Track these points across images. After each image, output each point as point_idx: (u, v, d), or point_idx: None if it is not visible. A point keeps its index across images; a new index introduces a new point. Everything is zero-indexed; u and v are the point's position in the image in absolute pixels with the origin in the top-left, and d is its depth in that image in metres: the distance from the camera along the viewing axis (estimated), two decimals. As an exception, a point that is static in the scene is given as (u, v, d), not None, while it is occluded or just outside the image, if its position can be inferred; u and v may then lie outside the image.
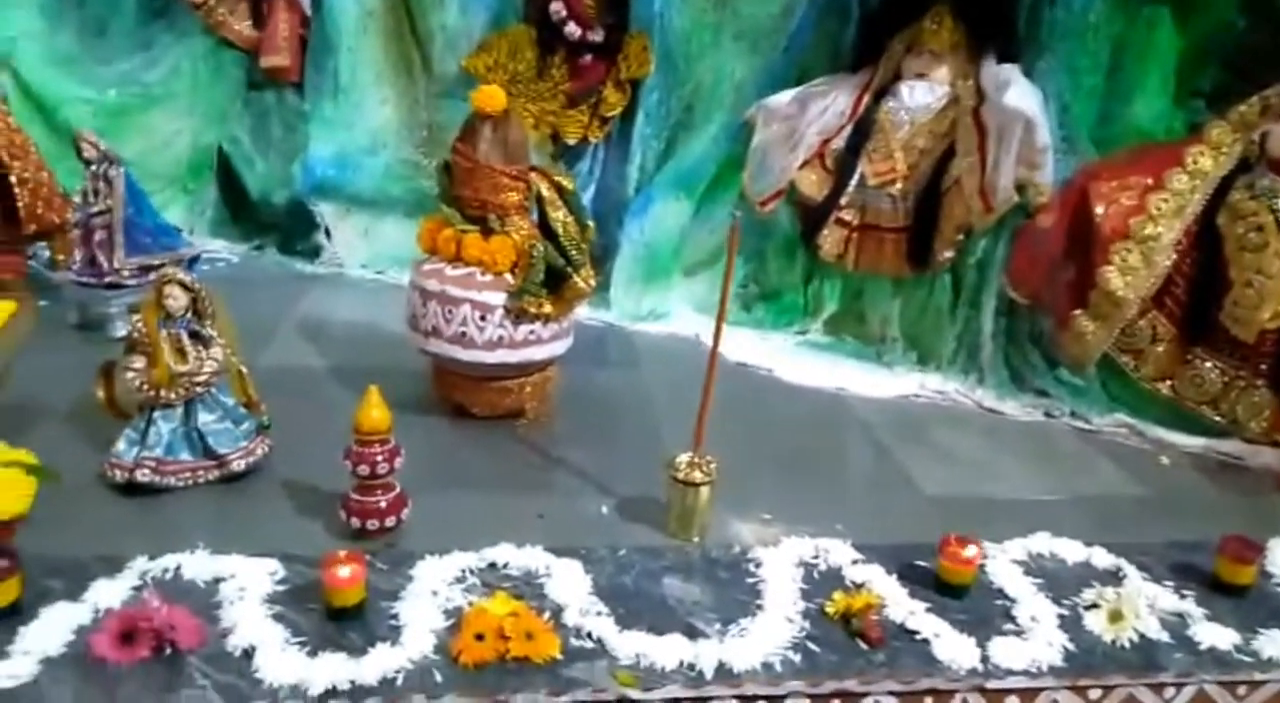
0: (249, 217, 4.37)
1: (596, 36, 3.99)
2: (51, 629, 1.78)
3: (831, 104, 3.43)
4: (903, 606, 2.00)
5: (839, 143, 3.46)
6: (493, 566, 2.08)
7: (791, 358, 3.47)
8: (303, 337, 3.43)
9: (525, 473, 2.58)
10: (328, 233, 4.18)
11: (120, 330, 3.22)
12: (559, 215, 2.60)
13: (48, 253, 3.76)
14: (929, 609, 2.01)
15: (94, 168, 3.13)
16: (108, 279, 3.16)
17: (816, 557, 2.18)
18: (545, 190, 2.60)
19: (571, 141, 4.02)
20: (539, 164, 2.93)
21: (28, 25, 4.25)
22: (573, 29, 3.98)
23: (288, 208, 4.25)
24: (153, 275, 3.20)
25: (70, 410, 2.71)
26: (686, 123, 3.89)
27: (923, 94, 3.35)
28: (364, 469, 2.11)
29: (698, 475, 2.21)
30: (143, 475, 2.26)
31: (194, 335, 2.33)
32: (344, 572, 1.86)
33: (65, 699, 1.65)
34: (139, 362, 2.30)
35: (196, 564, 2.00)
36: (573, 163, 4.06)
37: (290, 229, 4.26)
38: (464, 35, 4.08)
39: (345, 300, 3.86)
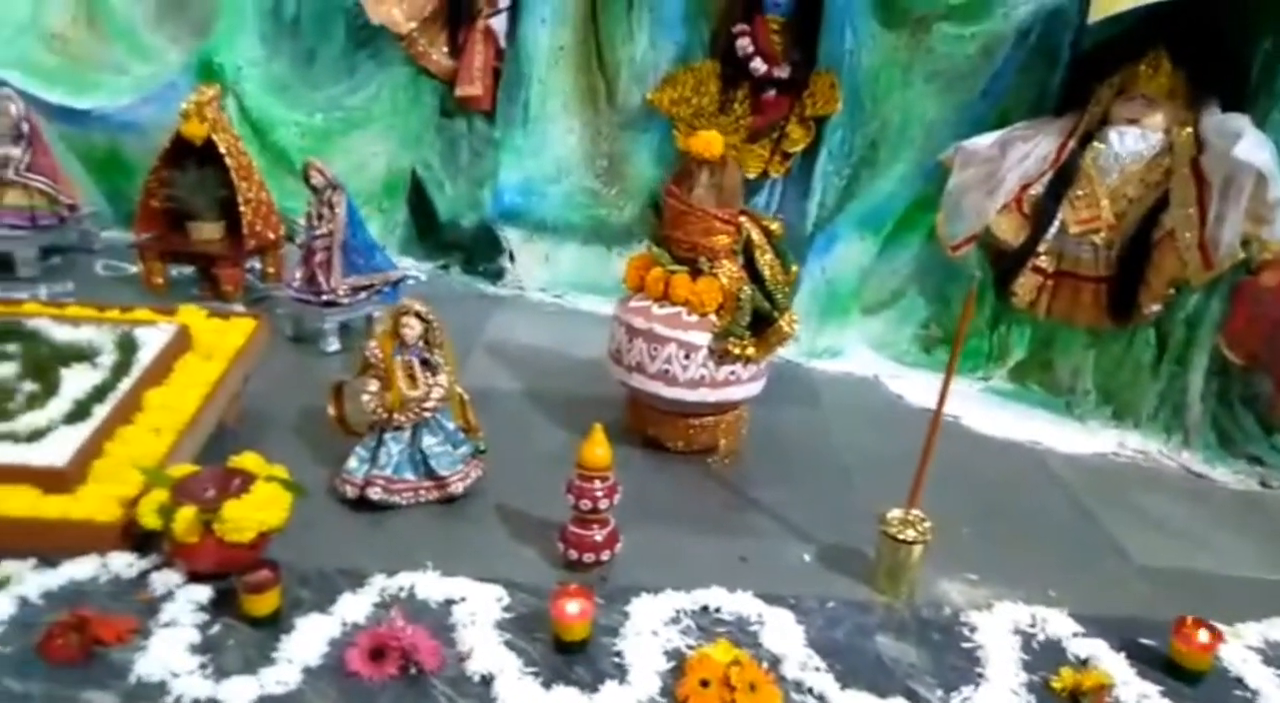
0: (436, 237, 4.59)
1: (782, 73, 4.02)
2: (308, 640, 1.91)
3: (1034, 149, 3.33)
4: (1133, 688, 1.93)
5: (1039, 188, 3.36)
6: (705, 609, 2.12)
7: (977, 405, 3.38)
8: (494, 358, 3.57)
9: (722, 513, 2.61)
10: (512, 256, 4.34)
11: (333, 346, 3.45)
12: (766, 259, 2.63)
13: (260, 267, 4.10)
14: (1162, 693, 1.92)
15: (320, 194, 3.34)
16: (325, 297, 3.37)
17: (1034, 626, 2.12)
18: (755, 234, 2.63)
19: (751, 176, 4.05)
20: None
21: (251, 53, 4.60)
22: (758, 65, 4.02)
23: (474, 231, 4.44)
24: (363, 295, 3.45)
25: (295, 423, 2.92)
26: (870, 161, 3.86)
27: (1134, 141, 3.22)
28: (585, 504, 2.18)
29: (911, 533, 2.19)
30: (374, 493, 2.41)
31: (424, 363, 2.47)
32: (573, 608, 1.93)
33: (328, 709, 1.77)
34: (374, 385, 2.46)
35: (429, 585, 2.12)
36: (750, 197, 4.10)
37: (474, 251, 4.45)
38: (650, 69, 4.19)
39: (529, 323, 4.00)
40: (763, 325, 2.63)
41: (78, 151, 4.63)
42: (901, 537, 2.18)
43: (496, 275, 4.39)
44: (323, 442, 2.73)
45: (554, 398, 3.24)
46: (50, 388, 2.45)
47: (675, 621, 2.06)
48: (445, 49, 4.53)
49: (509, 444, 2.77)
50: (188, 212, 3.89)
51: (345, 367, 3.40)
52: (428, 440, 2.48)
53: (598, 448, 2.17)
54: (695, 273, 2.65)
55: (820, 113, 3.88)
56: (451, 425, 2.54)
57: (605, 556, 2.24)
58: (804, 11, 3.99)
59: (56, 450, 2.24)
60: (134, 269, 4.18)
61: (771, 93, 4.08)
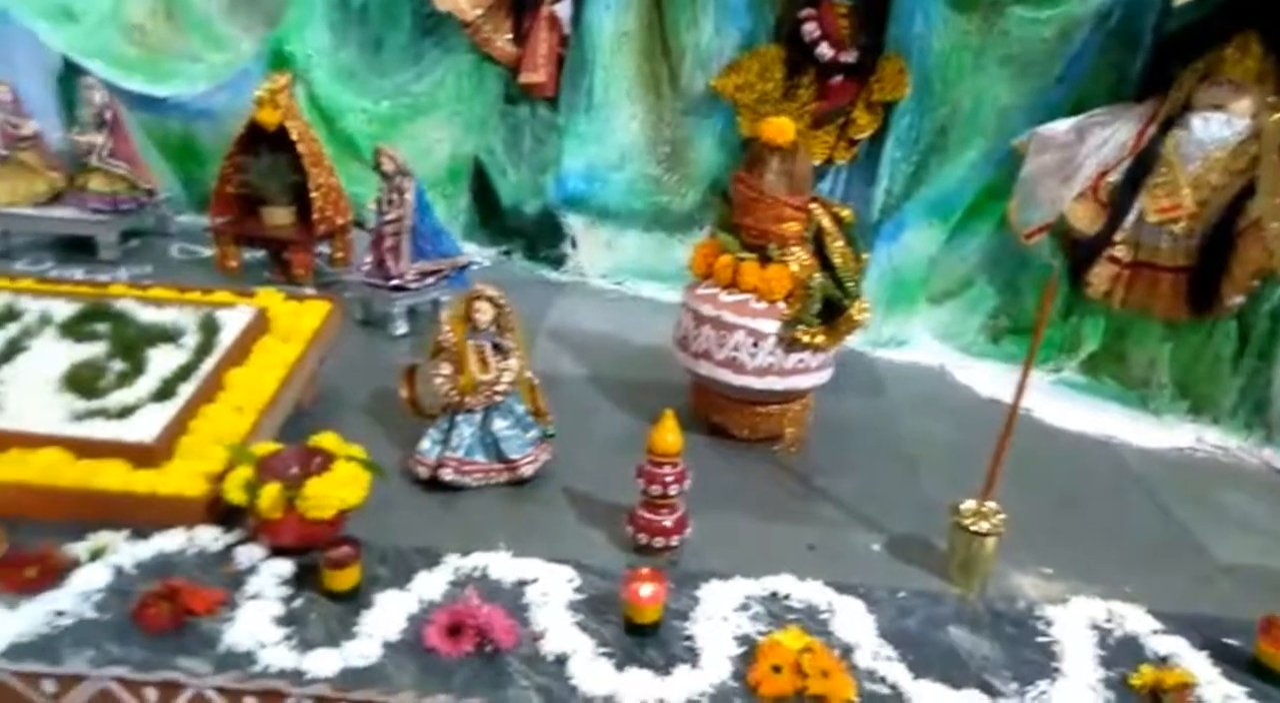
0: (498, 223, 4.63)
1: (849, 58, 3.97)
2: (388, 616, 1.96)
3: (1113, 135, 3.25)
4: (1218, 688, 1.89)
5: (1116, 176, 3.27)
6: (775, 596, 2.12)
7: (1048, 397, 3.31)
8: (557, 344, 3.60)
9: (788, 501, 2.61)
10: (574, 243, 4.37)
11: (401, 329, 3.51)
12: (838, 247, 2.61)
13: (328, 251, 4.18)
14: (1249, 694, 1.88)
15: (390, 180, 3.39)
16: (393, 282, 3.43)
17: (1110, 621, 2.09)
18: (826, 222, 2.61)
19: (816, 162, 4.00)
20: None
21: (320, 42, 4.68)
22: (825, 50, 3.97)
23: (536, 217, 4.48)
24: (430, 280, 3.50)
25: (367, 404, 2.98)
26: (940, 147, 3.80)
27: (1219, 127, 3.11)
28: (655, 489, 2.19)
29: (985, 526, 2.16)
30: (447, 474, 2.46)
31: (496, 347, 2.50)
32: (646, 590, 1.94)
33: (407, 683, 1.81)
34: (446, 368, 2.50)
35: (502, 565, 2.15)
36: (815, 184, 4.05)
37: (537, 237, 4.48)
38: (715, 55, 4.16)
39: (591, 309, 4.02)
40: (832, 314, 2.61)
41: (154, 138, 4.77)
42: (975, 529, 2.16)
43: (558, 262, 4.41)
44: (394, 423, 2.79)
45: (617, 384, 3.26)
46: (138, 367, 2.54)
47: (745, 607, 2.07)
48: (509, 36, 4.56)
49: (574, 429, 2.80)
50: (261, 197, 3.98)
51: (413, 350, 3.48)
52: (498, 424, 2.52)
53: (668, 434, 2.18)
54: (764, 260, 2.64)
55: (888, 98, 3.83)
56: (521, 409, 2.58)
57: (674, 541, 2.25)
58: (873, -4, 3.94)
59: (145, 427, 2.33)
60: (208, 252, 4.31)
61: (838, 78, 4.03)
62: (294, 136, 3.83)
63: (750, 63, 4.10)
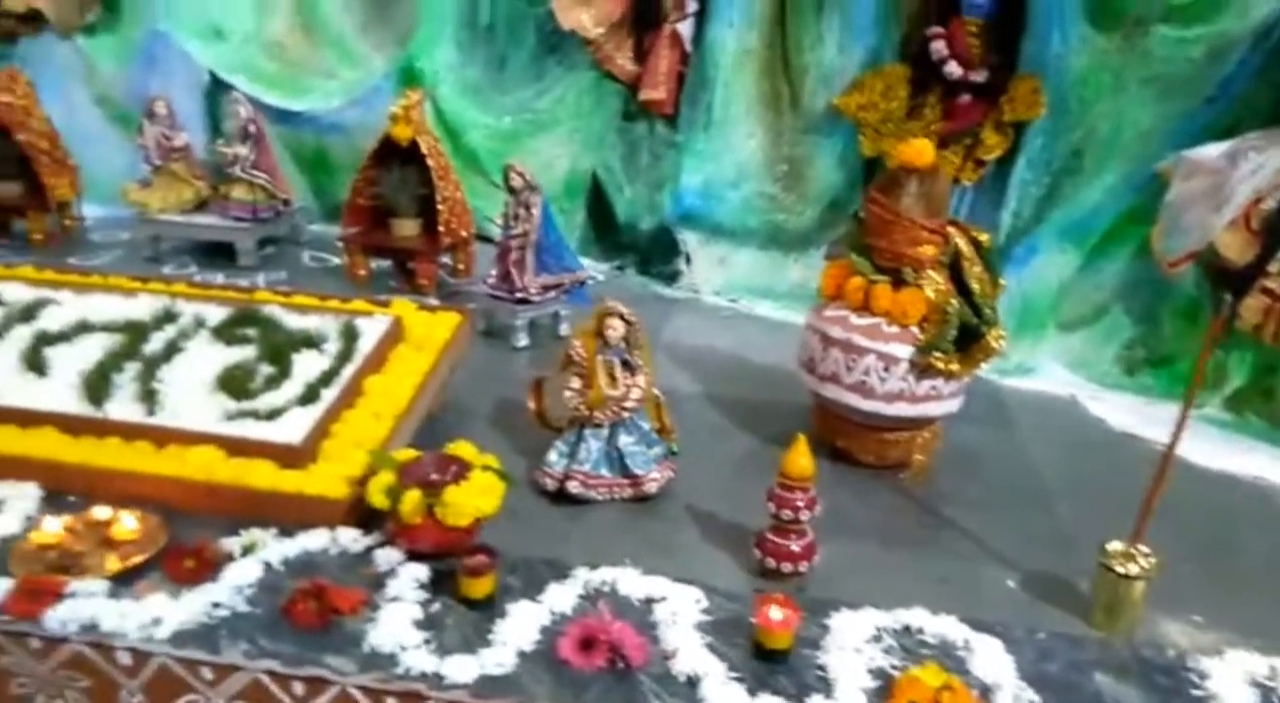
0: (613, 238, 4.69)
1: (979, 77, 3.89)
2: (521, 625, 1.99)
3: (1269, 160, 3.08)
4: (1398, 759, 1.75)
5: (1271, 203, 3.10)
6: (907, 629, 2.07)
7: (1189, 434, 3.13)
8: (673, 361, 3.61)
9: (917, 531, 2.55)
10: (688, 259, 4.38)
11: (522, 341, 3.59)
12: (975, 271, 2.55)
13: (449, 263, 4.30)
14: None
15: (518, 195, 3.48)
16: (518, 295, 3.51)
17: (1274, 679, 1.96)
18: (963, 246, 2.55)
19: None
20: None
21: (447, 59, 4.84)
22: (953, 69, 3.90)
23: (652, 233, 4.51)
24: (552, 293, 3.56)
25: (492, 415, 3.05)
26: (1074, 170, 3.67)
27: (1389, 152, 2.92)
28: (786, 513, 2.18)
29: (1134, 568, 2.07)
30: (574, 487, 2.49)
31: (625, 364, 2.53)
32: (777, 616, 1.92)
33: (543, 694, 1.84)
34: (576, 382, 2.54)
35: (630, 581, 2.16)
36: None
37: (651, 253, 4.51)
38: (838, 73, 4.13)
39: (705, 327, 4.02)
40: (967, 340, 2.55)
41: (289, 150, 5.00)
42: (1124, 571, 2.06)
43: (672, 278, 4.43)
44: (519, 433, 2.85)
45: (735, 403, 3.25)
46: (284, 371, 2.66)
47: (877, 639, 2.02)
48: (630, 54, 4.62)
49: (695, 447, 2.80)
50: (391, 209, 4.12)
51: (534, 362, 3.55)
52: (624, 439, 2.54)
53: (801, 458, 2.16)
54: (897, 283, 2.59)
55: (1020, 118, 3.73)
56: (646, 426, 2.59)
57: (803, 566, 2.22)
58: (1005, 13, 3.85)
59: (292, 429, 2.43)
60: (337, 261, 4.49)
61: (966, 97, 3.95)
62: (424, 151, 3.96)
63: (874, 81, 4.06)
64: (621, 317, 2.49)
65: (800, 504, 2.17)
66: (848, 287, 2.67)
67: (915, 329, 2.56)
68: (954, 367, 2.53)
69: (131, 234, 4.60)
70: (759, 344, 3.85)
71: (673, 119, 4.57)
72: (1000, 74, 3.86)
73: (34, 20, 5.10)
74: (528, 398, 2.76)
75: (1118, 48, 3.53)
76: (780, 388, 3.41)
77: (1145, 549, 2.10)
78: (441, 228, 4.02)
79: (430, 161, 3.97)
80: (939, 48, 3.92)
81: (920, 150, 2.52)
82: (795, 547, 2.22)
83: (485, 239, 4.45)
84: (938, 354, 2.52)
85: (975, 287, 2.54)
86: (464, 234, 4.19)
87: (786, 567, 2.21)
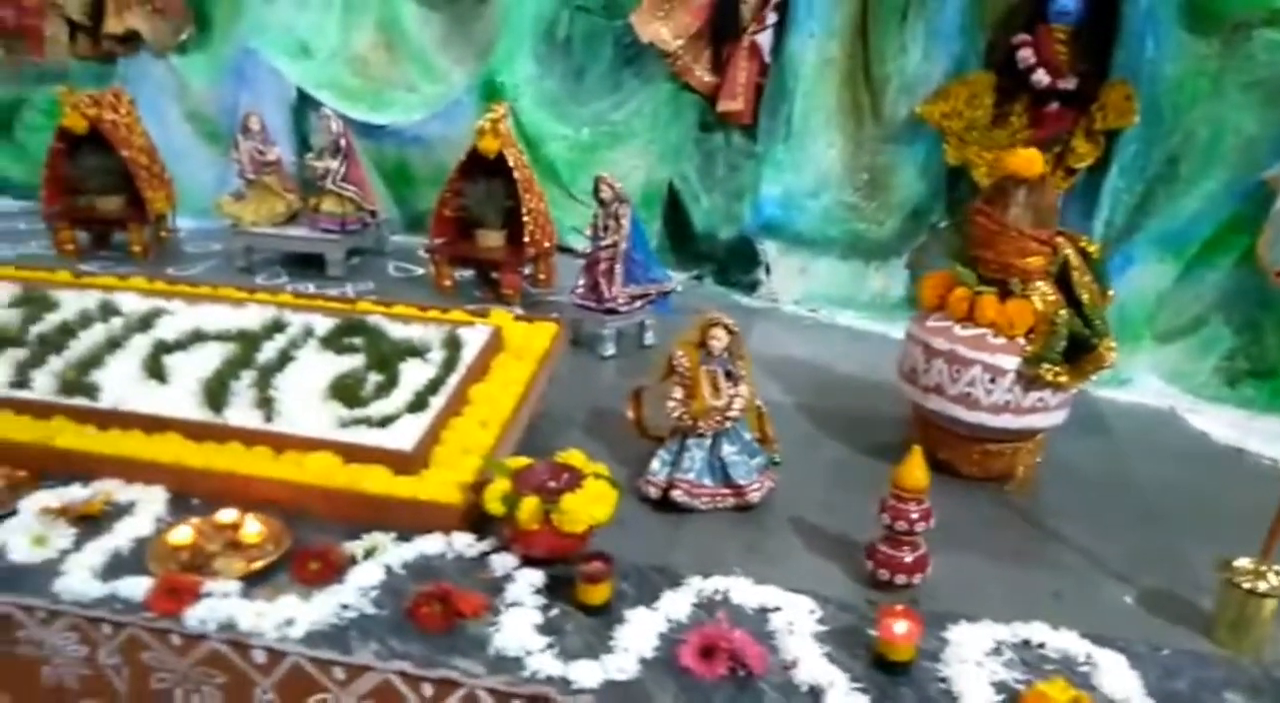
0: (690, 248, 4.72)
1: (1068, 84, 3.84)
2: (640, 632, 2.01)
3: (1384, 167, 3.00)
4: None
5: (1386, 210, 3.02)
6: (1027, 643, 2.05)
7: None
8: (760, 370, 3.57)
9: (1023, 544, 2.52)
10: (768, 269, 4.39)
11: (609, 350, 3.63)
12: (1085, 282, 2.52)
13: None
14: None
15: (607, 207, 3.52)
16: (606, 305, 3.55)
17: None
18: (1072, 255, 2.53)
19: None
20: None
21: (526, 72, 4.92)
22: (1041, 77, 3.86)
23: (730, 242, 4.53)
24: (638, 303, 3.60)
25: (586, 423, 3.09)
26: (1169, 178, 3.61)
27: None
28: (901, 525, 2.17)
29: (1263, 586, 2.02)
30: (679, 496, 2.52)
31: (728, 374, 2.55)
32: (900, 628, 1.92)
33: (667, 701, 1.86)
34: (678, 392, 2.56)
35: (743, 590, 2.17)
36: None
37: (729, 262, 4.54)
38: (922, 82, 4.12)
39: (787, 336, 4.03)
40: (1077, 351, 2.52)
41: (371, 163, 5.11)
42: (1253, 588, 2.02)
43: (751, 287, 4.45)
44: (614, 442, 2.88)
45: (823, 413, 3.25)
46: (392, 379, 2.73)
47: (997, 652, 2.01)
48: (708, 65, 4.66)
49: (791, 457, 2.81)
50: (476, 220, 4.20)
51: (620, 371, 3.59)
52: (726, 449, 2.56)
53: (916, 470, 2.16)
54: (1003, 294, 2.57)
55: (1112, 126, 3.68)
56: (748, 436, 2.61)
57: (916, 579, 2.22)
58: (1094, 20, 3.81)
59: (403, 436, 2.49)
60: (420, 271, 4.60)
61: (1054, 105, 3.91)
62: (511, 163, 4.03)
63: (959, 89, 4.04)
64: (725, 327, 2.51)
65: (915, 516, 2.17)
66: (951, 298, 2.65)
67: (1022, 340, 2.54)
68: (1063, 378, 2.50)
69: (223, 245, 4.75)
70: (842, 354, 3.85)
71: (750, 130, 4.59)
72: (1090, 81, 3.81)
73: (132, 41, 5.31)
74: (627, 407, 2.79)
75: (1216, 53, 3.47)
76: (867, 397, 3.41)
77: (1278, 567, 2.05)
78: (527, 239, 4.08)
79: (516, 174, 4.04)
80: (1026, 55, 3.89)
81: (1029, 160, 2.50)
82: (908, 559, 2.21)
83: (563, 250, 4.51)
84: (1046, 365, 2.49)
85: (1085, 297, 2.51)
86: (546, 245, 4.25)
87: (900, 579, 2.21)
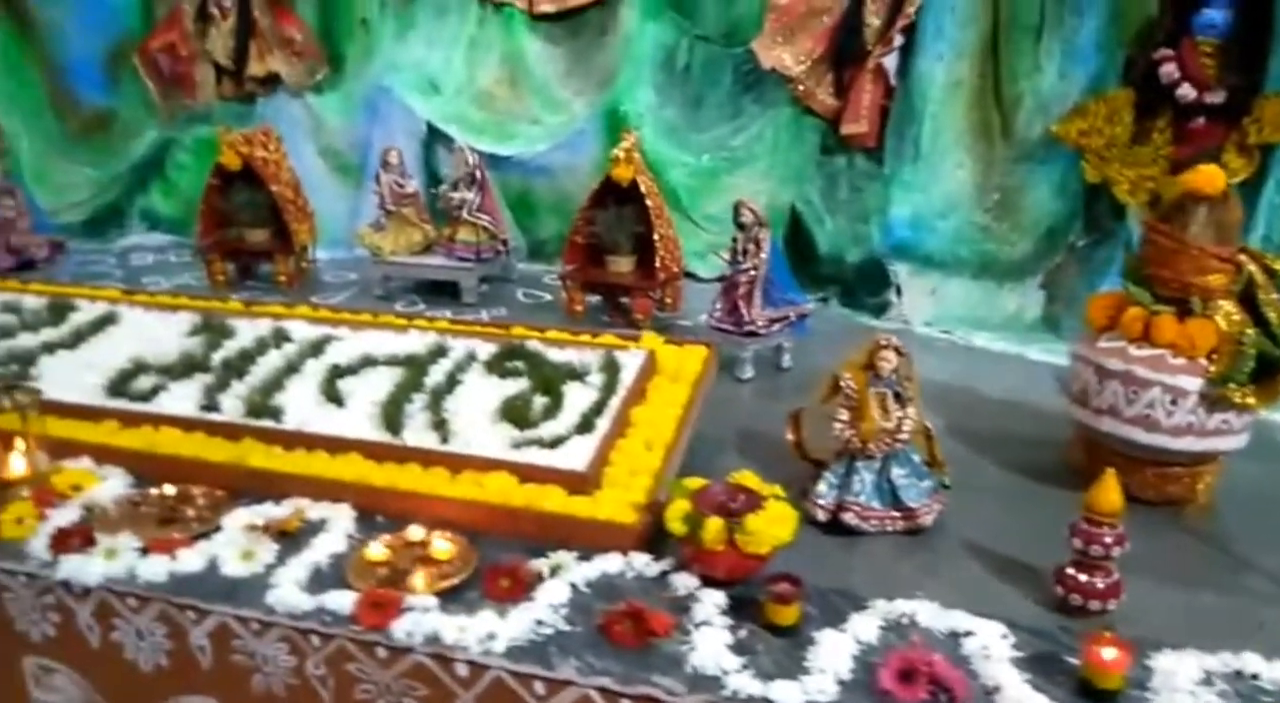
0: (813, 270, 4.70)
1: (1215, 98, 3.75)
2: (834, 654, 2.01)
3: None
4: None
5: None
6: (1239, 674, 1.98)
7: None
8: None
9: (1211, 570, 2.44)
10: (898, 291, 4.36)
11: (748, 373, 3.65)
12: (1271, 300, 2.44)
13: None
14: None
15: (746, 231, 3.56)
16: (746, 328, 3.58)
17: None
18: (1257, 273, 2.46)
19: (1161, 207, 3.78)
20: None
21: (647, 101, 5.02)
22: (1187, 92, 3.77)
23: (857, 265, 4.52)
24: (777, 327, 3.61)
25: (737, 444, 3.12)
26: (1332, 191, 3.48)
27: None
28: (1096, 550, 2.13)
29: None
30: (850, 519, 2.52)
31: (896, 396, 2.54)
32: (1109, 654, 1.88)
33: (873, 724, 1.86)
34: (844, 414, 2.57)
35: (930, 614, 2.15)
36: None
37: (856, 284, 4.52)
38: (1057, 100, 4.06)
39: (922, 358, 3.82)
40: (1264, 371, 2.44)
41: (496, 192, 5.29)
42: None
43: (879, 309, 4.42)
44: (768, 463, 2.86)
45: (977, 435, 3.19)
46: (557, 402, 2.81)
47: (1208, 682, 1.94)
48: (831, 89, 4.68)
49: (953, 479, 2.76)
50: (606, 246, 4.29)
51: (759, 394, 3.61)
52: (896, 472, 2.55)
53: (1111, 493, 2.12)
54: (1182, 314, 2.51)
55: (1268, 141, 3.57)
56: (918, 458, 2.59)
57: (1111, 605, 2.16)
58: (1243, 32, 3.70)
59: (575, 457, 2.56)
60: (547, 297, 4.72)
61: (1200, 120, 3.81)
62: (644, 190, 4.11)
63: (1097, 107, 3.97)
64: (895, 349, 2.51)
65: (1109, 541, 2.12)
66: (1124, 317, 2.60)
67: (1204, 361, 2.47)
68: (1250, 400, 2.42)
69: (358, 274, 4.96)
70: (981, 376, 3.79)
71: (874, 152, 4.59)
72: (1239, 94, 3.71)
73: (271, 82, 5.61)
74: (786, 429, 2.81)
75: (1380, 61, 3.34)
76: (1015, 419, 3.36)
77: None
78: (659, 264, 4.15)
79: (649, 201, 4.11)
80: (1169, 71, 3.80)
81: (1211, 177, 2.44)
82: (1100, 584, 2.16)
83: (688, 274, 4.56)
84: (1233, 387, 2.42)
85: (1272, 316, 2.43)
86: (675, 269, 4.31)
87: (1094, 605, 2.16)
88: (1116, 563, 2.19)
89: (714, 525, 2.18)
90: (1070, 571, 2.19)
